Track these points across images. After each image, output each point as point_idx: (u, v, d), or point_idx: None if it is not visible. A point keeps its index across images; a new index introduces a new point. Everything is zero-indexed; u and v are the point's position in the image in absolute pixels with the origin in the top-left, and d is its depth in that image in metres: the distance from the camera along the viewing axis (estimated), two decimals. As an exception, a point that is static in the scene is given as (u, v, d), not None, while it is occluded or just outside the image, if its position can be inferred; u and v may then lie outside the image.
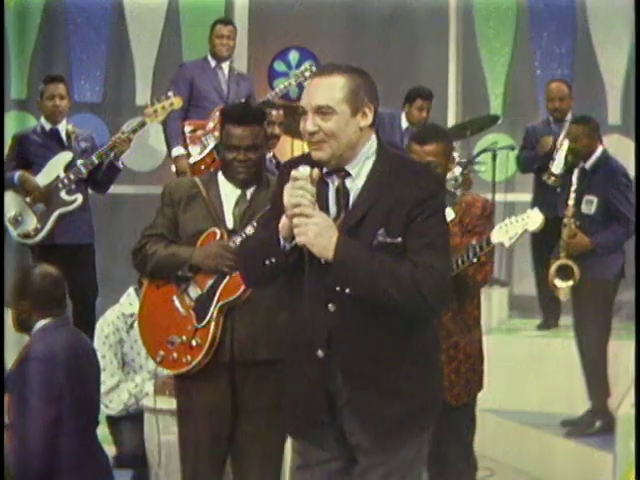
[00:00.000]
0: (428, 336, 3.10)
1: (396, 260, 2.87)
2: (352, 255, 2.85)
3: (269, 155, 6.32)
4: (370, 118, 2.97)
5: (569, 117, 6.95)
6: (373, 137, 3.01)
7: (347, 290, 2.87)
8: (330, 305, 2.94)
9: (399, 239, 2.90)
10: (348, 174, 2.97)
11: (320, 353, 2.96)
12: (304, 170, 2.87)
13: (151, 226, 3.98)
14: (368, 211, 2.92)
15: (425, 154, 3.93)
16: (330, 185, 2.99)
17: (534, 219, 3.95)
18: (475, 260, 3.90)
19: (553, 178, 6.62)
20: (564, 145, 6.55)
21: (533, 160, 7.01)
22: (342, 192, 2.96)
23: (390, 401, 2.99)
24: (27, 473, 3.69)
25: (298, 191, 2.85)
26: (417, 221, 2.91)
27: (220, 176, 3.96)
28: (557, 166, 6.60)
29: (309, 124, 2.90)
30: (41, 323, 3.87)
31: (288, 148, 7.34)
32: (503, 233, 3.92)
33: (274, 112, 6.41)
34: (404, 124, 7.38)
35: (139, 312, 4.06)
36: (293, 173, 2.87)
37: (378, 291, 2.85)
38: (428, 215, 2.92)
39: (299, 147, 7.25)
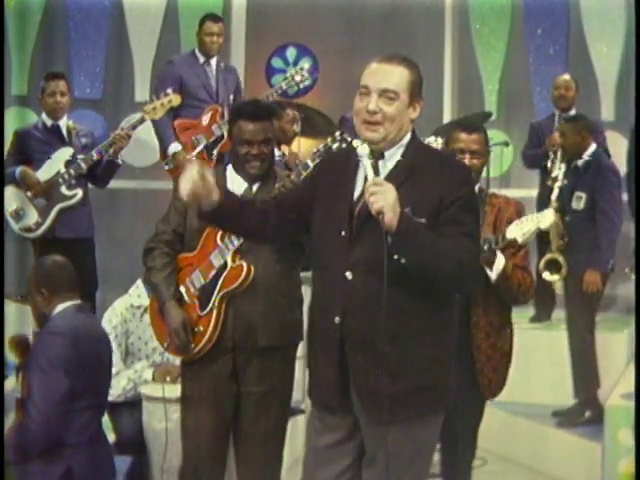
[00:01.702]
0: (443, 320, 3.19)
1: (444, 239, 3.01)
2: (413, 227, 2.97)
3: (279, 152, 6.43)
4: (418, 112, 3.16)
5: (573, 112, 7.08)
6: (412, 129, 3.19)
7: (403, 260, 2.96)
8: (347, 273, 3.07)
9: (423, 220, 3.02)
10: (382, 156, 3.12)
11: (337, 319, 3.09)
12: (364, 148, 3.04)
13: (163, 221, 4.12)
14: (398, 190, 2.98)
15: (472, 142, 4.04)
16: (360, 165, 3.12)
17: (547, 218, 4.00)
18: (489, 253, 3.93)
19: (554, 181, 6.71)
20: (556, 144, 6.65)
21: (538, 157, 7.09)
22: (374, 170, 3.06)
23: (395, 377, 3.06)
24: (33, 441, 3.80)
25: (368, 167, 3.02)
26: (453, 208, 3.05)
27: (229, 170, 4.07)
28: (556, 170, 6.65)
29: (372, 104, 3.06)
30: (60, 307, 4.00)
31: (295, 145, 7.37)
32: (518, 230, 3.97)
33: (290, 112, 6.50)
34: None
35: (150, 300, 4.23)
36: (359, 151, 3.04)
37: (429, 263, 2.99)
38: (463, 204, 3.07)
39: (307, 144, 7.27)
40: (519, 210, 4.13)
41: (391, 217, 2.89)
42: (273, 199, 3.50)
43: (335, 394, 3.15)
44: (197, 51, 7.19)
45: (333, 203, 3.16)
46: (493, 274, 3.94)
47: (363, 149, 3.05)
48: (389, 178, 3.05)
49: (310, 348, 3.28)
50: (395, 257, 2.96)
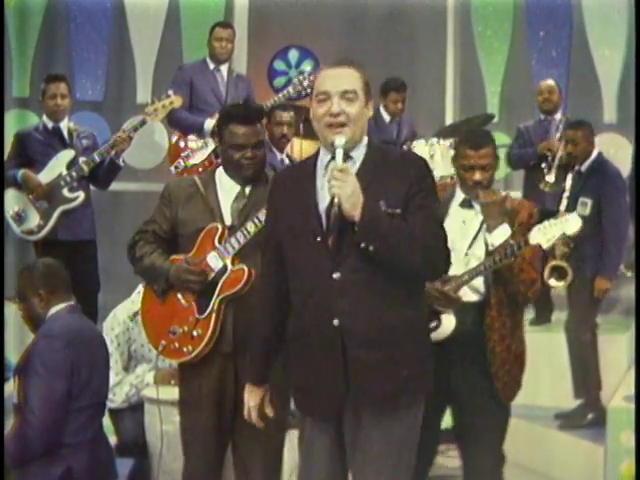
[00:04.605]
0: (420, 310, 3.33)
1: (410, 227, 3.15)
2: (376, 215, 3.11)
3: (281, 156, 6.42)
4: (372, 111, 3.29)
5: (559, 115, 7.13)
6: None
7: (370, 248, 3.08)
8: (335, 274, 3.15)
9: (398, 210, 3.16)
10: (350, 157, 3.23)
11: (336, 322, 3.16)
12: (340, 139, 3.15)
13: (148, 221, 4.09)
14: (367, 187, 3.12)
15: (480, 158, 3.97)
16: (318, 173, 3.26)
17: (572, 223, 3.91)
18: (512, 259, 3.89)
19: (549, 185, 6.72)
20: (559, 153, 6.64)
21: (526, 157, 7.11)
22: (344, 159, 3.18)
23: (391, 367, 3.18)
24: (31, 446, 3.80)
25: (339, 156, 3.15)
26: (418, 197, 3.19)
27: (218, 174, 4.04)
28: (552, 175, 6.68)
29: (335, 106, 3.16)
30: (54, 309, 4.01)
31: (297, 148, 7.37)
32: (541, 235, 3.89)
33: (284, 113, 6.48)
34: (386, 117, 7.49)
35: (142, 303, 4.15)
36: (336, 141, 3.15)
37: (396, 251, 3.12)
38: (426, 193, 3.22)
39: (310, 147, 7.26)
40: (532, 212, 4.07)
41: (348, 207, 3.06)
42: (266, 285, 3.44)
43: (336, 397, 3.20)
44: (208, 58, 7.25)
45: (298, 213, 3.25)
46: (495, 240, 3.93)
47: (340, 140, 3.16)
48: (358, 177, 3.15)
49: (300, 356, 3.29)
50: (362, 245, 3.09)
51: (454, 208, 4.07)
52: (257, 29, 8.53)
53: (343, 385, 3.18)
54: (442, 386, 3.93)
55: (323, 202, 3.21)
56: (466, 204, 4.06)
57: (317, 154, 3.32)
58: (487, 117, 7.64)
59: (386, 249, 3.11)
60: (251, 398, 3.47)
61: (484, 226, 3.98)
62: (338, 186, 3.07)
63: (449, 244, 3.93)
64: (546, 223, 3.91)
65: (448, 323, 3.95)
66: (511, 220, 3.99)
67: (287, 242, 3.28)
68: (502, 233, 3.94)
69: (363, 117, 3.22)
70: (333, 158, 3.20)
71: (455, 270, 3.88)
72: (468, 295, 3.98)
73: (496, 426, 4.13)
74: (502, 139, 8.08)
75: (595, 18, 8.28)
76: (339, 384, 3.18)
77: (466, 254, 3.99)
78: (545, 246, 3.90)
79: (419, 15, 8.49)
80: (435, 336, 3.89)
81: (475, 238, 4.01)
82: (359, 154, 3.25)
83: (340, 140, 3.15)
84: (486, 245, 3.97)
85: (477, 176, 3.98)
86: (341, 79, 3.20)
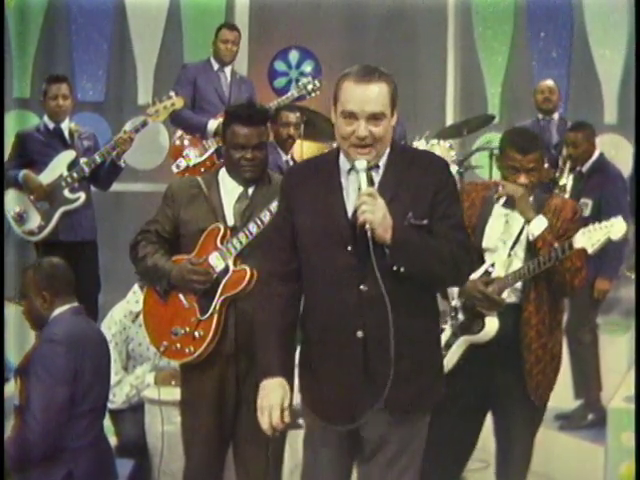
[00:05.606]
0: (436, 316, 3.34)
1: (437, 240, 3.13)
2: (407, 237, 3.07)
3: (286, 157, 6.42)
4: (396, 116, 3.17)
5: (556, 115, 7.14)
6: None
7: (402, 269, 3.05)
8: (362, 286, 3.10)
9: (425, 221, 3.13)
10: (377, 166, 3.17)
11: (360, 334, 3.12)
12: (361, 164, 3.08)
13: (151, 221, 4.09)
14: (394, 196, 3.10)
15: (527, 162, 3.93)
16: (345, 178, 3.18)
17: (618, 228, 3.85)
18: (556, 262, 3.84)
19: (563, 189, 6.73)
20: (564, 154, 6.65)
21: None
22: (369, 181, 3.11)
23: (413, 376, 3.17)
24: (32, 451, 3.80)
25: (363, 179, 3.08)
26: (442, 206, 3.15)
27: (221, 175, 4.05)
28: (565, 178, 6.67)
29: (362, 130, 3.06)
30: (58, 311, 3.99)
31: (297, 149, 7.37)
32: (586, 239, 3.82)
33: (291, 114, 6.49)
34: None
35: (144, 304, 4.15)
36: (357, 165, 3.07)
37: (426, 268, 3.11)
38: (450, 200, 3.18)
39: (310, 148, 7.27)
40: (576, 210, 4.05)
41: (381, 232, 3.01)
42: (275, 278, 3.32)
43: (354, 405, 3.17)
44: (212, 59, 7.28)
45: (324, 218, 3.17)
46: (535, 230, 3.89)
47: (361, 164, 3.08)
48: (382, 186, 3.11)
49: (318, 363, 3.24)
50: (394, 268, 3.05)
51: (497, 208, 4.03)
52: (258, 29, 8.54)
53: (362, 394, 3.14)
54: (482, 388, 3.96)
55: (350, 209, 3.13)
56: (509, 204, 4.00)
57: (335, 154, 3.24)
58: (487, 118, 7.65)
59: (417, 268, 3.09)
60: (272, 396, 3.13)
61: (526, 225, 3.94)
62: (370, 211, 3.00)
63: (492, 244, 3.93)
64: (591, 227, 3.85)
65: (492, 325, 3.91)
66: (555, 218, 3.96)
67: (310, 247, 3.20)
68: (540, 224, 3.89)
69: (389, 133, 3.13)
70: (352, 168, 3.13)
71: (498, 271, 3.88)
72: (510, 296, 3.94)
73: (527, 427, 4.10)
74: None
75: (595, 18, 8.28)
76: (358, 394, 3.15)
77: (509, 255, 3.95)
78: (590, 250, 3.83)
79: (419, 15, 8.49)
80: (478, 339, 3.90)
81: (518, 238, 3.97)
82: (382, 160, 3.17)
83: (361, 164, 3.08)
84: (528, 241, 3.93)
85: (522, 179, 3.95)
86: (369, 100, 3.06)
